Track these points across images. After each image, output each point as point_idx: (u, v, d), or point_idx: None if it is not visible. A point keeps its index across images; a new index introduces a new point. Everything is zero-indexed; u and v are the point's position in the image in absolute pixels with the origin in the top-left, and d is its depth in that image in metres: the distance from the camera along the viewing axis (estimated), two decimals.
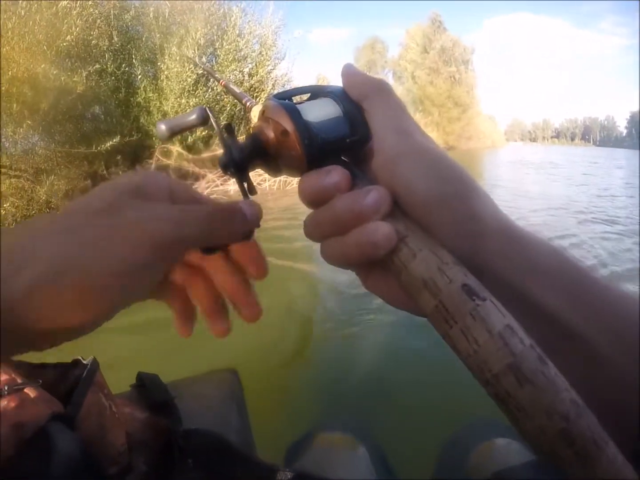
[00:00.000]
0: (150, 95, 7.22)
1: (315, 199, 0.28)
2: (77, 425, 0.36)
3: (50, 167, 7.54)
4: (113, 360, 1.61)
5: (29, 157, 7.37)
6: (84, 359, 0.43)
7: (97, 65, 7.20)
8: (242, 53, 8.18)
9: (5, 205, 6.12)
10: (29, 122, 6.69)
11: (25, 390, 0.35)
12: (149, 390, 0.57)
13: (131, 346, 2.02)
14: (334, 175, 0.27)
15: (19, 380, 0.36)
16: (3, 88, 6.17)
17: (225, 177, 7.38)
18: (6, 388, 0.34)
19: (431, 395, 1.66)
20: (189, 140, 7.06)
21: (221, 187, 6.84)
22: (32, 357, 0.35)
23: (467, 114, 24.17)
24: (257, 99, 7.19)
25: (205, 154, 7.09)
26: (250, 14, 8.51)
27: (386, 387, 1.74)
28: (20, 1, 6.31)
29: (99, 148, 6.94)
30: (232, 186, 6.72)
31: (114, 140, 6.83)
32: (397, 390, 1.73)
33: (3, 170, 7.00)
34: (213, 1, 8.17)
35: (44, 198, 6.93)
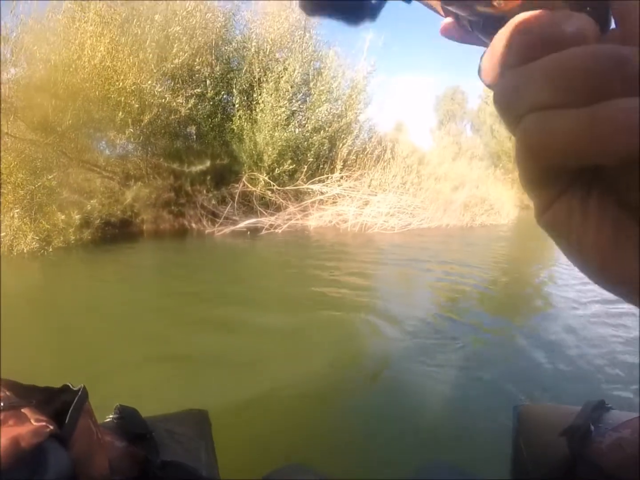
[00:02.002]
0: (245, 124, 7.62)
1: (543, 45, 0.18)
2: (69, 446, 0.38)
3: (140, 174, 8.12)
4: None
5: (123, 162, 8.01)
6: (73, 386, 0.45)
7: (198, 90, 7.76)
8: (334, 95, 8.50)
9: (92, 201, 6.67)
10: (132, 130, 7.31)
11: (22, 409, 0.37)
12: (127, 422, 0.59)
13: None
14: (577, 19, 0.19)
15: (14, 399, 0.38)
16: (113, 97, 6.82)
17: (306, 212, 7.64)
18: (1, 404, 0.36)
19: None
20: (275, 171, 7.35)
21: (300, 221, 7.04)
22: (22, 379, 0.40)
23: None
24: (345, 143, 7.39)
25: (289, 187, 7.33)
26: (343, 57, 8.88)
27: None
28: (135, 20, 7.01)
29: (190, 168, 7.40)
30: (312, 222, 6.88)
31: (205, 164, 7.24)
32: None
33: (97, 169, 7.64)
34: (311, 41, 8.62)
35: (128, 201, 7.47)
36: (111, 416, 0.61)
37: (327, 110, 8.17)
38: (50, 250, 5.60)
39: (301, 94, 8.41)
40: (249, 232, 6.57)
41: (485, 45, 0.23)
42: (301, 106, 8.24)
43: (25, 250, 5.50)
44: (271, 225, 6.79)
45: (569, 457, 0.61)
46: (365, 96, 9.12)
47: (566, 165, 0.18)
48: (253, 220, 6.75)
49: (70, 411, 0.40)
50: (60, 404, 0.41)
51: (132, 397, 1.85)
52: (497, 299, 4.02)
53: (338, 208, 7.48)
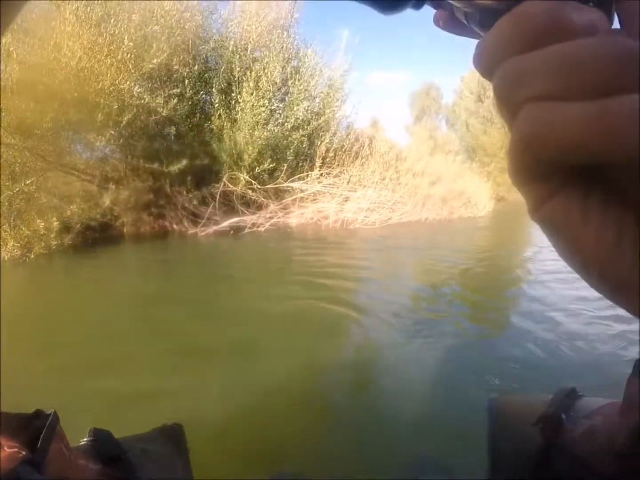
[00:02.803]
0: (224, 123, 7.65)
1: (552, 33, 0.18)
2: (43, 470, 0.39)
3: (118, 177, 8.06)
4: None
5: (101, 164, 7.94)
6: (45, 411, 0.45)
7: (177, 90, 7.74)
8: (312, 93, 8.59)
9: (72, 207, 6.62)
10: (111, 132, 7.25)
11: None
12: (101, 444, 0.59)
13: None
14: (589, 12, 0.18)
15: None
16: (91, 98, 6.75)
17: (287, 210, 7.73)
18: None
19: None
20: (255, 170, 7.41)
21: (282, 219, 7.13)
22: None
23: None
24: (323, 140, 7.49)
25: (270, 185, 7.40)
26: (320, 55, 8.98)
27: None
28: (112, 20, 6.96)
29: (169, 168, 7.38)
30: (293, 219, 6.98)
31: (183, 163, 7.24)
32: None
33: (76, 173, 7.57)
34: (289, 40, 8.69)
35: (108, 204, 7.42)
36: (85, 439, 0.61)
37: (305, 108, 8.26)
38: (32, 256, 5.57)
39: (280, 93, 8.47)
40: (232, 232, 6.63)
41: (480, 37, 0.23)
42: (280, 105, 8.31)
43: (6, 258, 5.46)
44: (254, 224, 6.86)
45: (542, 446, 0.62)
46: (342, 94, 9.25)
47: (567, 160, 0.17)
48: (235, 219, 6.81)
49: (42, 436, 0.41)
50: (33, 430, 0.42)
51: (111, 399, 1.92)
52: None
53: (319, 205, 7.59)
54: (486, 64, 0.20)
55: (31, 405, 0.47)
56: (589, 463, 0.54)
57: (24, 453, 0.38)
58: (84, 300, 3.70)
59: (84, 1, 6.67)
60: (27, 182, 6.09)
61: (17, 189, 5.90)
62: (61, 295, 3.96)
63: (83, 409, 1.75)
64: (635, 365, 0.54)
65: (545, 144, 0.16)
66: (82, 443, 0.59)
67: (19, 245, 5.62)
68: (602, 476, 0.52)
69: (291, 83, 8.33)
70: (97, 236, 7.05)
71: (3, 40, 6.09)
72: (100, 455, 0.56)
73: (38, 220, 5.93)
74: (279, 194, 7.51)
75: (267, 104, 7.50)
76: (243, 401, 1.98)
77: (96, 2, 6.83)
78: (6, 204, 5.80)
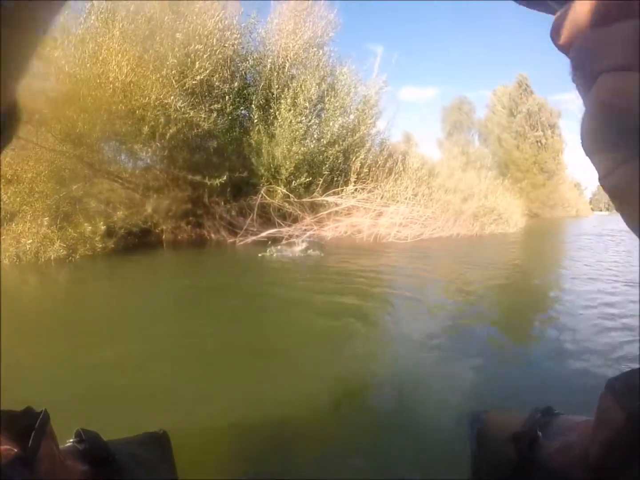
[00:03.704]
0: (263, 138, 7.96)
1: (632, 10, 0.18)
2: (33, 469, 0.39)
3: (159, 186, 8.45)
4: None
5: (144, 174, 8.33)
6: (35, 409, 0.46)
7: (217, 105, 8.10)
8: (348, 110, 8.85)
9: (118, 213, 7.00)
10: (157, 143, 7.64)
11: None
12: (89, 446, 0.57)
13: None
14: None
15: None
16: (138, 111, 7.14)
17: (322, 223, 7.96)
18: None
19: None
20: (292, 184, 7.68)
21: (317, 232, 7.35)
22: None
23: (552, 181, 23.60)
24: (358, 156, 7.68)
25: (306, 199, 7.65)
26: (355, 72, 9.24)
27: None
28: (157, 38, 7.34)
29: (210, 181, 7.72)
30: (328, 232, 7.19)
31: (223, 178, 7.56)
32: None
33: (120, 181, 7.99)
34: (324, 58, 8.97)
35: (149, 211, 7.79)
36: (71, 440, 0.59)
37: (340, 124, 8.51)
38: (77, 257, 5.93)
39: (316, 109, 8.75)
40: (269, 242, 6.88)
41: (551, 11, 0.24)
42: (316, 120, 8.58)
43: (52, 258, 5.81)
44: (290, 236, 7.10)
45: (516, 460, 0.62)
46: (377, 110, 9.47)
47: (637, 128, 0.17)
48: (273, 230, 7.06)
49: (33, 434, 0.41)
50: (23, 428, 0.42)
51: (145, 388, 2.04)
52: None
53: (353, 219, 7.78)
54: (566, 36, 0.21)
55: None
56: (564, 476, 0.55)
57: (15, 451, 0.38)
58: (128, 297, 3.95)
59: (130, 19, 7.06)
60: (74, 187, 6.48)
61: (63, 193, 6.28)
62: (107, 293, 4.22)
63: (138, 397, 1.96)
64: (607, 382, 0.52)
65: (622, 111, 0.17)
66: (68, 444, 0.59)
67: (65, 245, 5.94)
68: None
69: (327, 100, 8.60)
70: (137, 241, 7.39)
71: (55, 54, 6.56)
72: (87, 457, 0.56)
73: (85, 224, 6.26)
74: (314, 208, 7.74)
75: (304, 120, 7.78)
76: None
77: (141, 20, 7.24)
78: (53, 206, 6.19)
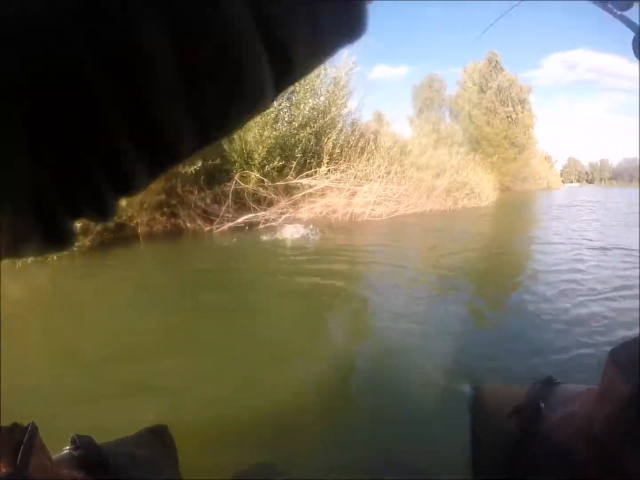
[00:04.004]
0: None
1: None
2: None
3: None
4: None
5: None
6: (22, 424, 0.44)
7: None
8: (318, 91, 8.87)
9: None
10: None
11: None
12: (84, 452, 0.58)
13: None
14: None
15: None
16: None
17: (297, 205, 8.03)
18: None
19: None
20: (265, 168, 7.71)
21: (293, 214, 7.42)
22: None
23: (523, 155, 24.09)
24: (329, 137, 7.74)
25: (280, 182, 7.69)
26: None
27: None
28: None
29: (183, 170, 7.69)
30: (303, 214, 7.28)
31: (197, 165, 7.53)
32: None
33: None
34: None
35: (122, 205, 7.73)
36: (67, 448, 0.60)
37: (311, 106, 8.53)
38: (55, 258, 5.87)
39: (287, 92, 8.75)
40: (246, 227, 6.93)
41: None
42: (287, 104, 8.58)
43: (28, 261, 5.74)
44: (267, 220, 7.16)
45: (519, 435, 0.63)
46: (347, 91, 9.50)
47: None
48: (250, 215, 7.11)
49: (21, 450, 0.40)
50: (15, 444, 0.41)
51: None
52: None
53: (327, 200, 7.88)
54: None
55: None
56: (566, 447, 0.56)
57: (4, 470, 0.37)
58: (110, 294, 3.98)
59: None
60: None
61: None
62: (87, 290, 4.23)
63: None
64: (610, 352, 0.55)
65: None
66: (65, 451, 0.59)
67: None
68: (580, 458, 0.53)
69: (297, 83, 8.59)
70: (112, 237, 7.32)
71: None
72: (83, 464, 0.56)
73: None
74: (288, 191, 7.79)
75: (274, 104, 7.78)
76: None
77: None
78: None
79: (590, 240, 6.56)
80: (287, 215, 7.33)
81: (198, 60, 0.16)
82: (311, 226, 6.40)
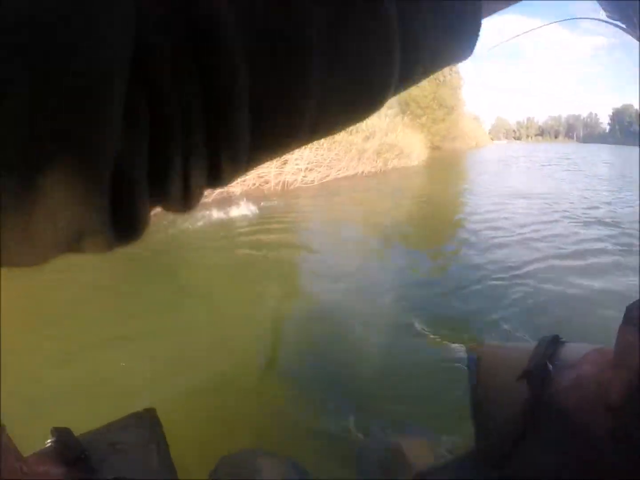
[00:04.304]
0: None
1: None
2: None
3: None
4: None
5: None
6: None
7: None
8: None
9: None
10: None
11: None
12: (61, 446, 0.57)
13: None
14: None
15: None
16: None
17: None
18: None
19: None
20: None
21: (226, 189, 7.33)
22: None
23: (452, 116, 24.80)
24: None
25: None
26: None
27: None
28: None
29: None
30: (236, 188, 7.20)
31: None
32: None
33: None
34: None
35: None
36: (49, 441, 0.59)
37: None
38: None
39: None
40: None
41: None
42: None
43: None
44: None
45: (529, 401, 0.58)
46: None
47: None
48: None
49: None
50: None
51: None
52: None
53: (259, 171, 7.84)
54: None
55: None
56: (578, 416, 0.52)
57: None
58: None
59: None
60: None
61: None
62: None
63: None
64: (627, 311, 0.51)
65: None
66: (47, 445, 0.58)
67: None
68: (593, 431, 0.50)
69: None
70: None
71: None
72: (60, 458, 0.55)
73: None
74: None
75: None
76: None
77: None
78: None
79: (513, 189, 6.97)
80: (219, 190, 7.22)
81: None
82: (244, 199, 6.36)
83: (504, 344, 0.99)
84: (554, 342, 0.64)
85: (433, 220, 4.77)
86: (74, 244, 0.14)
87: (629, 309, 0.50)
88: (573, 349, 0.63)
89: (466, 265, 3.17)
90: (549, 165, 15.21)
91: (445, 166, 13.15)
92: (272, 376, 1.98)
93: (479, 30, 0.22)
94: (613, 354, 0.51)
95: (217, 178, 0.18)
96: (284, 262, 3.51)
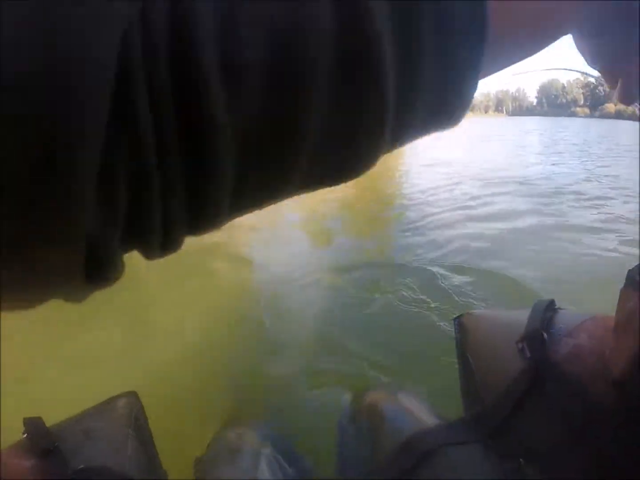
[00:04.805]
0: None
1: None
2: None
3: None
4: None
5: None
6: None
7: None
8: None
9: None
10: None
11: None
12: (31, 437, 0.56)
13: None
14: None
15: None
16: None
17: None
18: None
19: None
20: None
21: None
22: None
23: None
24: None
25: None
26: None
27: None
28: None
29: None
30: None
31: None
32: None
33: None
34: None
35: None
36: (24, 433, 0.58)
37: None
38: None
39: None
40: None
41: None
42: None
43: None
44: None
45: (528, 368, 0.55)
46: None
47: None
48: None
49: None
50: None
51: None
52: None
53: None
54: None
55: None
56: (578, 387, 0.50)
57: None
58: None
59: None
60: None
61: None
62: None
63: None
64: (628, 274, 0.48)
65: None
66: (23, 437, 0.57)
67: None
68: (595, 403, 0.47)
69: None
70: None
71: None
72: (31, 449, 0.54)
73: None
74: None
75: None
76: None
77: None
78: None
79: (442, 162, 7.21)
80: None
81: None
82: None
83: (493, 311, 0.91)
84: (549, 308, 0.61)
85: (369, 200, 4.70)
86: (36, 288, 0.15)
87: (631, 273, 0.47)
88: (567, 316, 0.60)
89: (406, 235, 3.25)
90: (477, 137, 15.98)
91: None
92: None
93: (469, 105, 0.22)
94: (614, 321, 0.48)
95: (197, 229, 0.18)
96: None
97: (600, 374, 0.47)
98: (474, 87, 0.21)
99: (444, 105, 0.21)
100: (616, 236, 3.02)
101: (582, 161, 7.90)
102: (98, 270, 0.15)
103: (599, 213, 3.73)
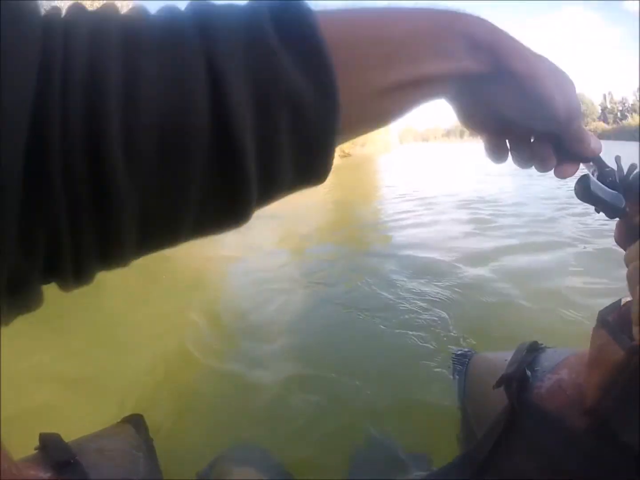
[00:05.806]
0: None
1: None
2: None
3: None
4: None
5: None
6: None
7: None
8: None
9: None
10: None
11: None
12: (50, 451, 0.56)
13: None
14: None
15: None
16: None
17: None
18: None
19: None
20: None
21: None
22: None
23: None
24: None
25: None
26: None
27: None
28: None
29: None
30: None
31: None
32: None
33: None
34: None
35: None
36: (37, 447, 0.58)
37: None
38: None
39: None
40: None
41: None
42: None
43: None
44: None
45: (509, 407, 0.57)
46: None
47: None
48: None
49: None
50: None
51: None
52: None
53: None
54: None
55: None
56: (557, 418, 0.52)
57: None
58: None
59: None
60: None
61: None
62: None
63: None
64: (599, 315, 0.51)
65: None
66: (35, 451, 0.57)
67: None
68: (572, 434, 0.50)
69: None
70: None
71: None
72: (50, 463, 0.54)
73: None
74: None
75: None
76: None
77: None
78: None
79: (416, 190, 7.08)
80: None
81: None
82: None
83: (491, 353, 0.94)
84: (533, 348, 0.64)
85: (339, 222, 4.80)
86: None
87: (601, 314, 0.51)
88: (553, 354, 0.62)
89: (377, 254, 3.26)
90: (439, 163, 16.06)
91: (353, 170, 13.23)
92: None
93: (330, 168, 0.24)
94: (588, 356, 0.52)
95: (108, 264, 0.20)
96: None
97: (579, 405, 0.50)
98: (331, 155, 0.23)
99: (306, 174, 0.24)
100: None
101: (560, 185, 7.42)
102: (18, 298, 0.17)
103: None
